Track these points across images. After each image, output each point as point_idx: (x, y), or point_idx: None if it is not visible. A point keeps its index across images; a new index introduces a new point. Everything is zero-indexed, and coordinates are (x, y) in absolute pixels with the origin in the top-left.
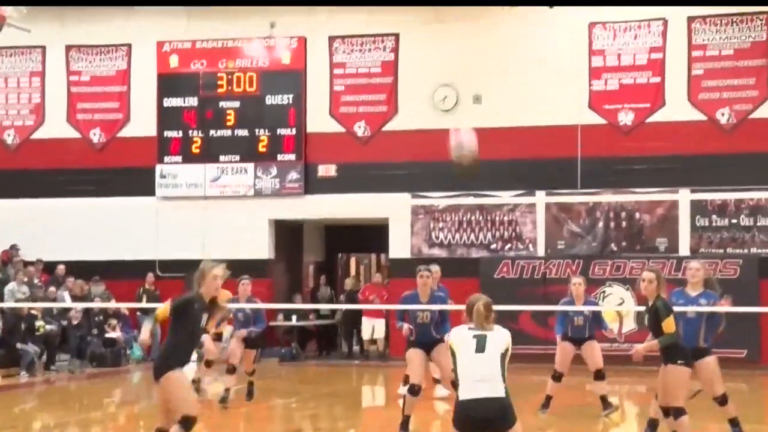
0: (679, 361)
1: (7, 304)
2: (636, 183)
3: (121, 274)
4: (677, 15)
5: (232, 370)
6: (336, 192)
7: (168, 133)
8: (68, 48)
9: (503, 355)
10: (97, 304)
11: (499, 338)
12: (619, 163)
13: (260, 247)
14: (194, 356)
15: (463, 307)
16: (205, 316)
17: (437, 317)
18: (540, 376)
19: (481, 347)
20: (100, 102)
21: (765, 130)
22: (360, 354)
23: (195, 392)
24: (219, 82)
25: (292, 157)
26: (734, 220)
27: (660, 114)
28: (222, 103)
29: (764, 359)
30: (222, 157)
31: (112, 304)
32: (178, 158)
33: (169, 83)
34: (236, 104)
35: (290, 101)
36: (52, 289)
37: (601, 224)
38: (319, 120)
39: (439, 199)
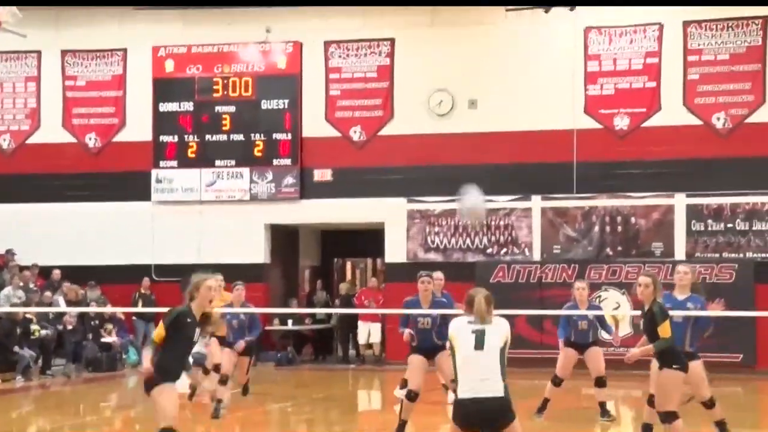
0: (674, 366)
1: (3, 308)
2: (632, 187)
3: (116, 279)
4: (673, 19)
5: (224, 380)
6: (332, 197)
7: (163, 138)
8: (64, 53)
9: (502, 350)
10: (92, 309)
11: (498, 332)
12: (614, 167)
13: (256, 251)
14: (190, 359)
15: (461, 312)
16: (198, 330)
17: (439, 323)
18: (535, 380)
19: (480, 344)
20: (95, 107)
21: (760, 135)
22: (356, 358)
23: (190, 399)
24: (215, 87)
25: (287, 161)
26: (730, 225)
27: (656, 118)
28: (218, 108)
29: (760, 363)
30: (218, 162)
31: (108, 309)
32: (174, 163)
33: (164, 88)
34: (232, 109)
35: (286, 106)
36: (47, 293)
37: (596, 228)
38: (314, 125)
39: (434, 204)
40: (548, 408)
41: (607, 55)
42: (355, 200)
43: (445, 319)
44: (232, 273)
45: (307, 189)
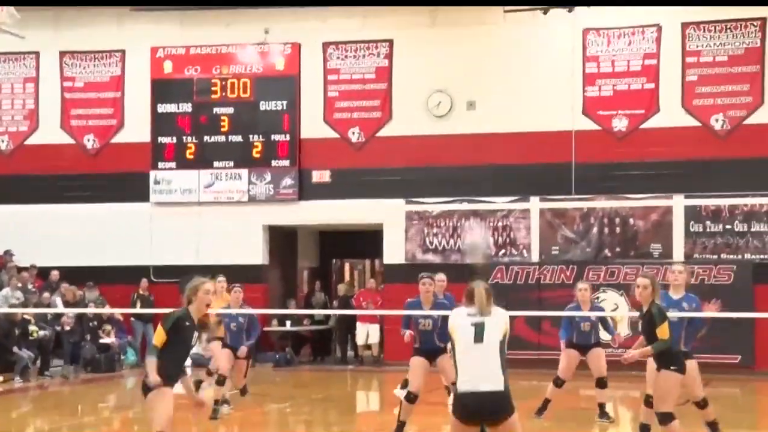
0: (672, 367)
1: (1, 309)
2: (630, 189)
3: (115, 280)
4: (671, 21)
5: (222, 381)
6: (330, 198)
7: (162, 139)
8: (62, 54)
9: (502, 342)
10: (90, 310)
11: (498, 324)
12: (613, 168)
13: (254, 252)
14: (188, 362)
15: None
16: (196, 335)
17: (440, 324)
18: (534, 381)
19: (479, 337)
20: (94, 108)
21: (759, 136)
22: (354, 359)
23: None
24: (213, 88)
25: (286, 162)
26: (728, 226)
27: (654, 120)
28: (216, 109)
29: (758, 364)
30: (216, 163)
31: (107, 310)
32: (172, 164)
33: (163, 89)
34: (230, 110)
35: (284, 107)
36: (46, 294)
37: (595, 230)
38: (313, 126)
39: (433, 205)
40: (548, 409)
41: (605, 56)
42: (354, 201)
43: (447, 321)
44: (230, 274)
45: (306, 190)
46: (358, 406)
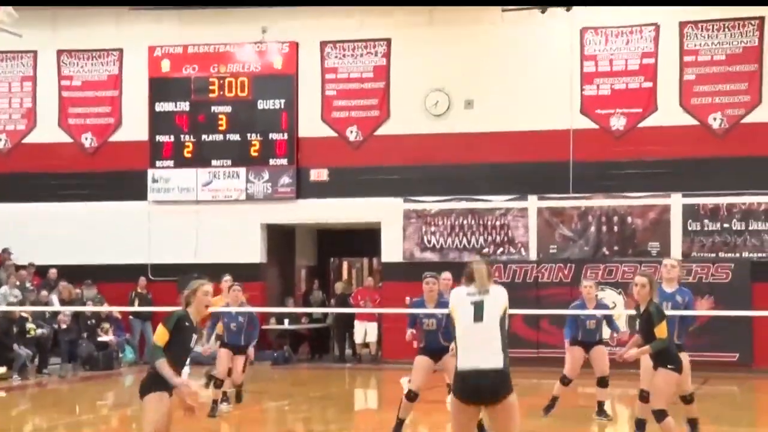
0: (669, 366)
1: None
2: (628, 187)
3: (113, 278)
4: (669, 20)
5: (219, 384)
6: (328, 196)
7: (160, 138)
8: (60, 52)
9: (502, 319)
10: (87, 308)
11: (497, 301)
12: (611, 167)
13: (252, 251)
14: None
15: None
16: (195, 336)
17: (445, 324)
18: (533, 380)
19: (479, 315)
20: (91, 106)
21: (757, 135)
22: (352, 357)
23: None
24: (211, 87)
25: (284, 161)
26: (726, 224)
27: (652, 119)
28: (214, 108)
29: (756, 362)
30: (214, 162)
31: (104, 308)
32: (170, 162)
33: (160, 87)
34: (228, 109)
35: (282, 106)
36: (44, 293)
37: (593, 228)
38: (311, 124)
39: (431, 204)
40: (555, 406)
41: (603, 55)
42: (352, 200)
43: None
44: (228, 272)
45: (304, 189)
46: (356, 403)
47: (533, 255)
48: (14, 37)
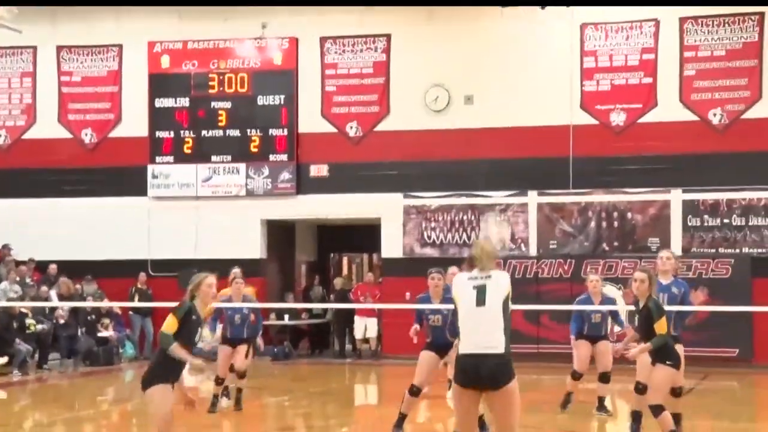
0: (668, 362)
1: None
2: (628, 183)
3: (113, 274)
4: (669, 16)
5: (220, 382)
6: (328, 192)
7: (160, 134)
8: (59, 48)
9: (505, 303)
10: (88, 303)
11: (499, 285)
12: (611, 163)
13: (252, 246)
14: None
15: None
16: (199, 331)
17: (450, 319)
18: (533, 375)
19: (481, 300)
20: (91, 102)
21: (757, 130)
22: (352, 352)
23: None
24: (210, 83)
25: (284, 157)
26: (726, 220)
27: (652, 114)
28: (214, 104)
29: (756, 358)
30: (214, 157)
31: (104, 303)
32: (170, 158)
33: (160, 83)
34: (228, 104)
35: (282, 101)
36: (44, 288)
37: (593, 224)
38: (310, 120)
39: (431, 199)
40: (547, 401)
41: (603, 51)
42: (352, 195)
43: (457, 316)
44: (228, 268)
45: (304, 184)
46: (356, 399)
47: (533, 251)
48: (14, 33)
